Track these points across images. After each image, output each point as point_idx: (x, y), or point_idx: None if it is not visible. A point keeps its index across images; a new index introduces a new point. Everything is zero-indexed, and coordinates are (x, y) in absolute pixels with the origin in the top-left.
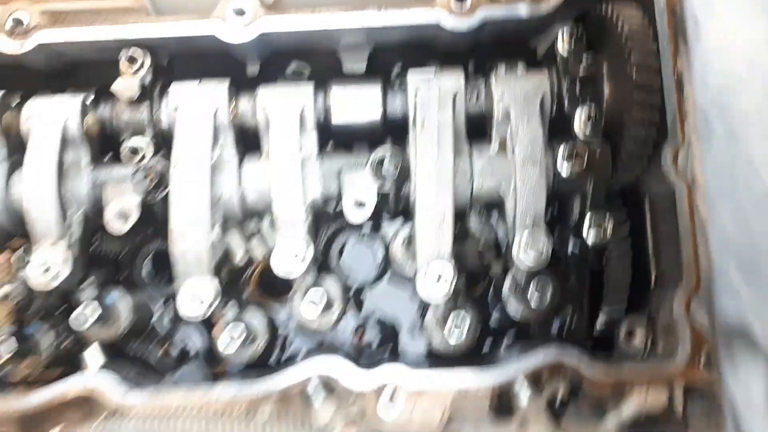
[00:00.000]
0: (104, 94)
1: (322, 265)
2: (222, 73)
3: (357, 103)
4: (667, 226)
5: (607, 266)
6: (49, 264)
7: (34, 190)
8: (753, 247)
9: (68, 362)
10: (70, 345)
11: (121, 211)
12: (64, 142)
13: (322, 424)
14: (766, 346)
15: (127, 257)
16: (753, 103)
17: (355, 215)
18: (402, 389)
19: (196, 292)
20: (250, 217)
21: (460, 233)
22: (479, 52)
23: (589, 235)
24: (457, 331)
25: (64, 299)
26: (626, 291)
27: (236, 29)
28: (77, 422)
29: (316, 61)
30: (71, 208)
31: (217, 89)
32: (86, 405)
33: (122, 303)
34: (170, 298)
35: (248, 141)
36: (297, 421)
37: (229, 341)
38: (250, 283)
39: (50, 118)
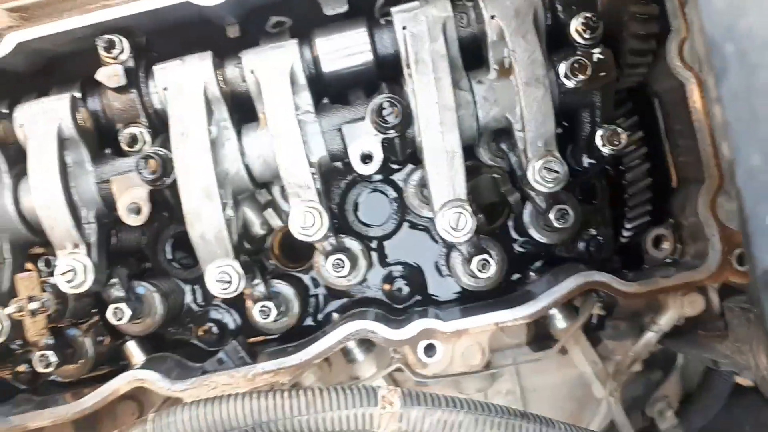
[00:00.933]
0: (90, 86)
1: (339, 221)
2: (201, 42)
3: (345, 49)
4: (681, 124)
5: (626, 174)
6: (73, 270)
7: (44, 199)
8: None
9: (112, 359)
10: (111, 342)
11: (133, 204)
12: (62, 144)
13: (368, 376)
14: None
15: (149, 245)
16: (763, 22)
17: (364, 169)
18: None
19: (221, 274)
20: (260, 187)
21: (473, 167)
22: None
23: (604, 145)
24: (484, 271)
25: (96, 299)
26: (648, 197)
27: None
28: (129, 417)
29: (295, 11)
30: (83, 209)
31: (202, 63)
32: (137, 399)
33: (153, 294)
34: (199, 279)
35: (243, 107)
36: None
37: (263, 314)
38: (273, 252)
39: (43, 122)
